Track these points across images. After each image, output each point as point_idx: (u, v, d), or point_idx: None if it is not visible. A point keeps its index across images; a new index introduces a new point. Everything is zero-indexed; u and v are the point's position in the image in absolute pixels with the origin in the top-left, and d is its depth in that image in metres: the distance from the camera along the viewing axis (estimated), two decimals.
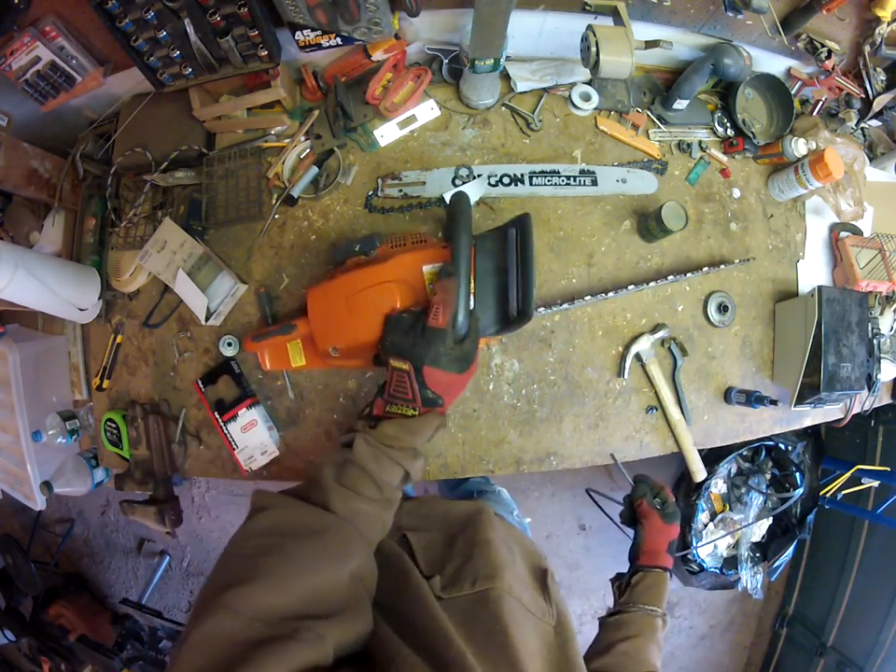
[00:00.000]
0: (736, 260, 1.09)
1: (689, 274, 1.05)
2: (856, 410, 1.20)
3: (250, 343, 0.94)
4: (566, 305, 1.00)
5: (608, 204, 1.07)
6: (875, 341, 1.16)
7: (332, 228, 1.03)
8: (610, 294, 1.01)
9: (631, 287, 1.02)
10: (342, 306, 0.79)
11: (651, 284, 1.03)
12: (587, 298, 1.00)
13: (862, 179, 1.13)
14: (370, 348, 0.82)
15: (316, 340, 0.83)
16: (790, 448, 1.53)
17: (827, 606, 2.03)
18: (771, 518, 1.59)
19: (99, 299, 1.05)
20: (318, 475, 0.59)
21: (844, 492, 1.73)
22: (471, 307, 0.73)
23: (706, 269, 1.06)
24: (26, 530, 2.09)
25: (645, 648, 0.80)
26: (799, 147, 1.09)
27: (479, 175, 1.02)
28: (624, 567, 0.91)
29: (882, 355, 1.17)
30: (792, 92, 1.14)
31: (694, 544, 1.42)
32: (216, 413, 1.00)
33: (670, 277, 1.04)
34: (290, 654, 0.40)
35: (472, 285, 0.78)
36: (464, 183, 1.02)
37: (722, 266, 1.07)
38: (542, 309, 1.00)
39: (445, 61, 1.06)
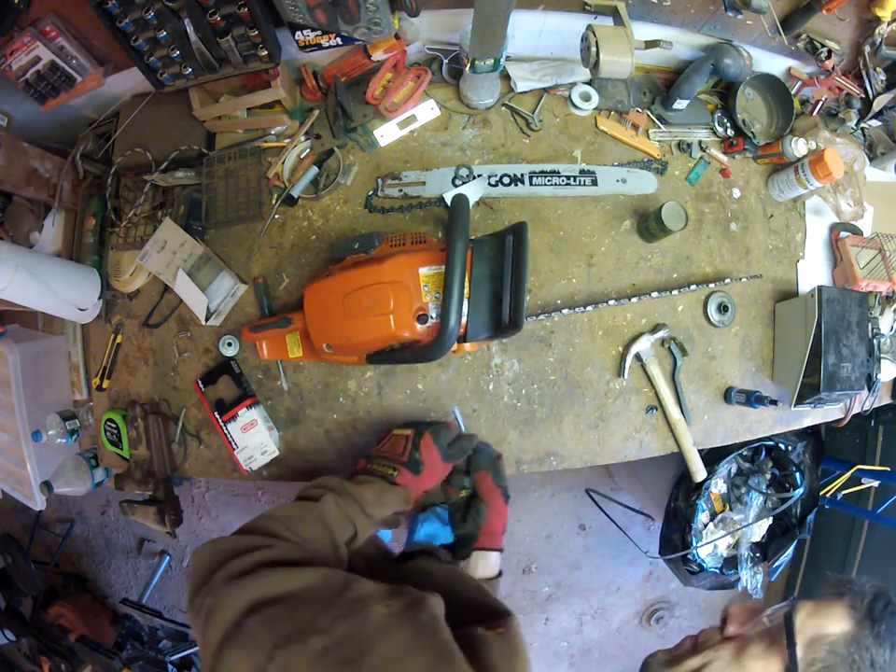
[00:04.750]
0: (743, 278, 1.09)
1: (693, 287, 1.05)
2: (856, 410, 1.20)
3: (247, 333, 0.94)
4: (566, 311, 1.00)
5: (608, 204, 1.07)
6: (875, 341, 1.16)
7: (332, 228, 1.03)
8: (612, 302, 1.01)
9: (634, 298, 1.02)
10: (337, 304, 0.79)
11: (654, 294, 1.03)
12: (588, 307, 1.00)
13: (862, 179, 1.13)
14: (362, 347, 0.83)
15: (312, 336, 0.84)
16: (790, 448, 1.53)
17: None
18: (771, 518, 1.58)
19: (99, 299, 1.05)
20: (273, 529, 0.58)
21: (844, 492, 1.73)
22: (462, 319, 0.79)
23: (711, 285, 1.06)
24: (26, 530, 2.09)
25: None
26: (799, 146, 1.09)
27: (479, 175, 1.02)
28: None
29: (882, 355, 1.17)
30: (792, 92, 1.14)
31: (694, 544, 1.42)
32: (216, 413, 1.00)
33: (675, 292, 1.03)
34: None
35: (467, 288, 0.78)
36: (464, 183, 1.02)
37: (728, 280, 1.07)
38: (543, 315, 1.00)
39: (445, 61, 1.06)
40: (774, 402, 1.03)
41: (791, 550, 1.58)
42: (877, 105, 1.16)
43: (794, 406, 1.08)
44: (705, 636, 0.64)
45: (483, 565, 0.86)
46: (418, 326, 0.78)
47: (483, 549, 0.87)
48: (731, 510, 1.49)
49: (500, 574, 0.88)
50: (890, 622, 0.54)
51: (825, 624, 0.54)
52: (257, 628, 0.43)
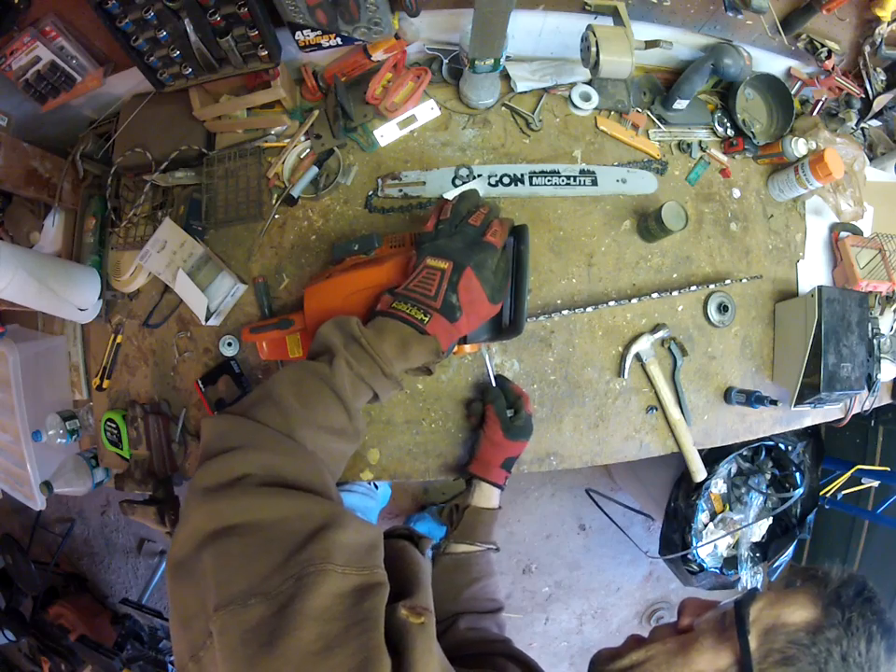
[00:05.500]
0: (743, 278, 1.08)
1: (693, 287, 1.05)
2: (856, 410, 1.20)
3: (248, 333, 0.94)
4: (566, 311, 1.00)
5: (608, 204, 1.07)
6: (874, 341, 1.16)
7: (332, 228, 1.03)
8: (612, 302, 1.01)
9: (634, 298, 1.02)
10: (337, 307, 0.79)
11: (654, 294, 1.03)
12: (588, 308, 1.00)
13: (862, 179, 1.13)
14: None
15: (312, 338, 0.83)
16: (790, 448, 1.53)
17: None
18: (771, 518, 1.59)
19: (99, 299, 1.05)
20: (277, 395, 0.55)
21: (844, 492, 1.73)
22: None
23: (711, 285, 1.06)
24: (26, 530, 2.09)
25: (489, 587, 0.82)
26: (799, 146, 1.09)
27: (479, 175, 1.02)
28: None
29: (882, 355, 1.17)
30: (792, 92, 1.14)
31: (694, 544, 1.42)
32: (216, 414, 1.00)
33: (675, 292, 1.03)
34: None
35: None
36: (464, 183, 1.02)
37: (728, 281, 1.07)
38: (543, 315, 1.00)
39: (445, 61, 1.06)
40: (774, 402, 1.03)
41: (791, 550, 1.58)
42: (877, 104, 1.17)
43: (794, 406, 1.08)
44: (655, 630, 0.62)
45: (478, 494, 0.88)
46: None
47: (478, 477, 0.89)
48: (731, 510, 1.49)
49: (500, 507, 0.90)
50: (864, 610, 0.48)
51: (785, 613, 0.50)
52: (209, 570, 0.41)
